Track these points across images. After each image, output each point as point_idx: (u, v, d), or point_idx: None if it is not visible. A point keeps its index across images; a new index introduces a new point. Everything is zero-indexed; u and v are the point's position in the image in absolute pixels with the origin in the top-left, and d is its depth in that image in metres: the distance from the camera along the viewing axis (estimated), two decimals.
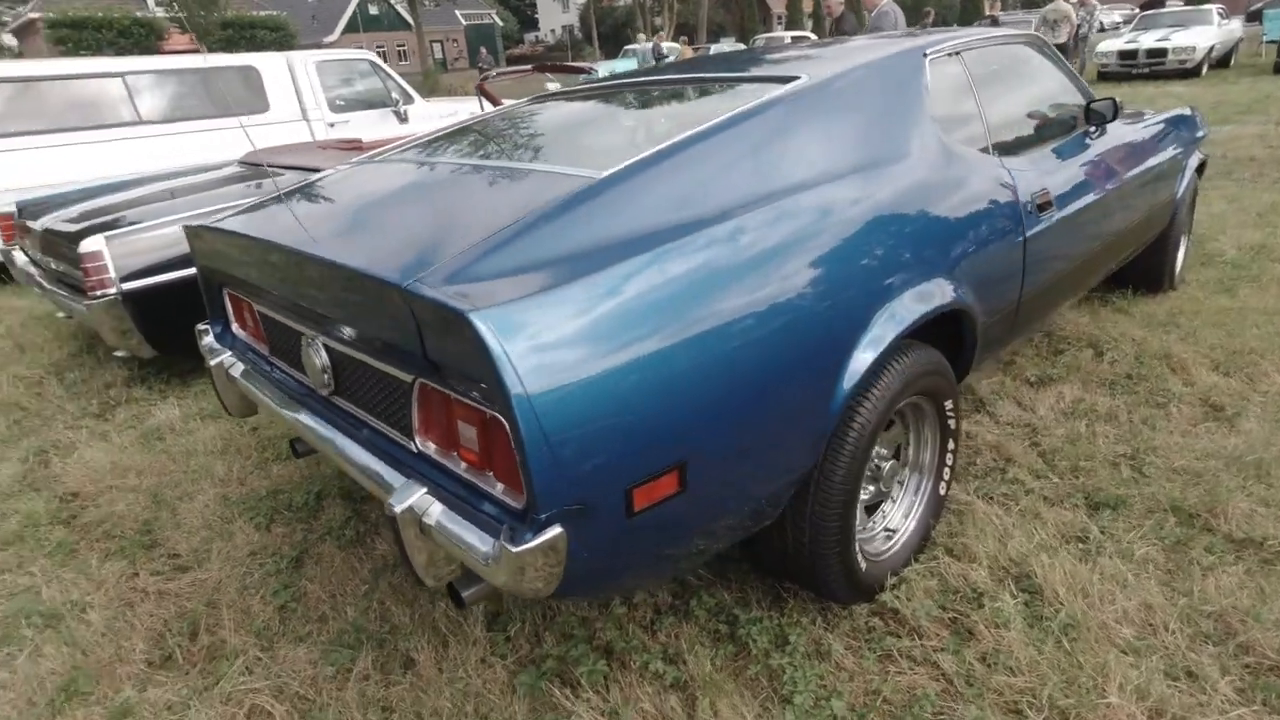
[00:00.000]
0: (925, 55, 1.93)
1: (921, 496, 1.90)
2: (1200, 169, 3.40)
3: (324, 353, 1.57)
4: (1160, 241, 3.20)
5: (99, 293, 2.88)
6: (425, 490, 1.21)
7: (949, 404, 1.83)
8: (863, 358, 1.44)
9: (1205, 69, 11.76)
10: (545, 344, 1.05)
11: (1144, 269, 3.29)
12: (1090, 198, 2.32)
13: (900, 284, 1.52)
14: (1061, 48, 11.38)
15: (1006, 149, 2.13)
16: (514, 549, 1.04)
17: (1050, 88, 2.49)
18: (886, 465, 1.78)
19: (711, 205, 1.36)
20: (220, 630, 1.84)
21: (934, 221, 1.65)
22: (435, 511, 1.19)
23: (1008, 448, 2.33)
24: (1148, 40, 11.83)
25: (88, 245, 2.86)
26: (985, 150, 2.02)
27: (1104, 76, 12.43)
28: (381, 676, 1.67)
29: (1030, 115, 2.36)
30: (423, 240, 1.29)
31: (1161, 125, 3.06)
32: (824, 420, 1.41)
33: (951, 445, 1.90)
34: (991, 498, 2.11)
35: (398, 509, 1.19)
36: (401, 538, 1.20)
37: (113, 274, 2.88)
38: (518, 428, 1.02)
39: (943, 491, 1.93)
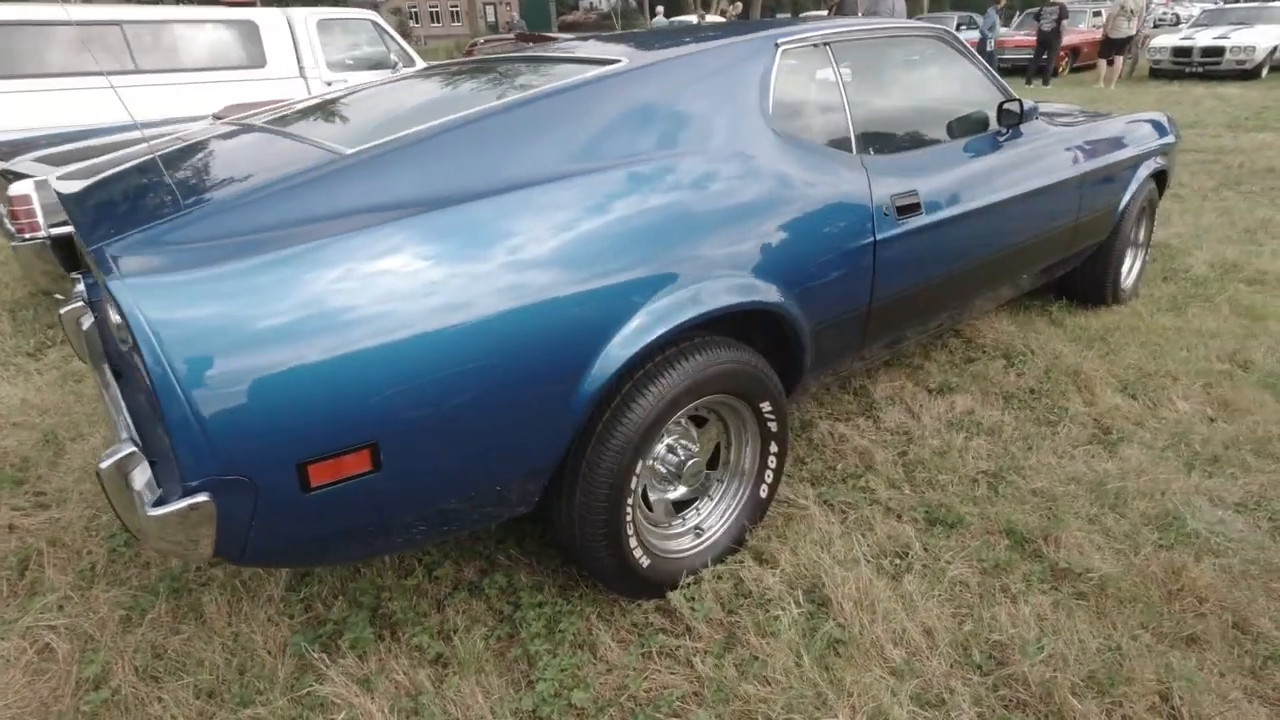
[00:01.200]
0: (777, 45, 1.86)
1: (739, 499, 1.87)
2: (1160, 178, 3.22)
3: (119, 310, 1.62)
4: (1101, 253, 3.05)
5: (28, 235, 2.99)
6: (134, 450, 1.24)
7: (766, 406, 1.79)
8: (617, 353, 1.40)
9: (1266, 71, 11.03)
10: (200, 316, 1.06)
11: (1083, 281, 3.14)
12: (981, 202, 2.21)
13: (674, 279, 1.47)
14: (1128, 40, 10.80)
15: (877, 147, 2.04)
16: (149, 512, 1.06)
17: (955, 85, 2.37)
18: (690, 463, 1.75)
19: (461, 187, 1.34)
20: (49, 568, 1.92)
21: (736, 215, 1.59)
22: (136, 471, 1.22)
23: (873, 454, 2.28)
24: (1204, 38, 11.11)
25: (17, 188, 2.96)
26: (844, 147, 1.94)
27: (1155, 74, 11.76)
28: (171, 623, 1.73)
29: (919, 113, 2.25)
30: (153, 207, 1.30)
31: (1111, 129, 2.89)
32: (565, 414, 1.39)
33: (775, 449, 1.86)
34: (832, 504, 2.06)
35: (102, 465, 1.22)
36: (108, 493, 1.23)
37: (40, 218, 2.98)
38: (157, 396, 1.03)
39: (764, 495, 1.89)
